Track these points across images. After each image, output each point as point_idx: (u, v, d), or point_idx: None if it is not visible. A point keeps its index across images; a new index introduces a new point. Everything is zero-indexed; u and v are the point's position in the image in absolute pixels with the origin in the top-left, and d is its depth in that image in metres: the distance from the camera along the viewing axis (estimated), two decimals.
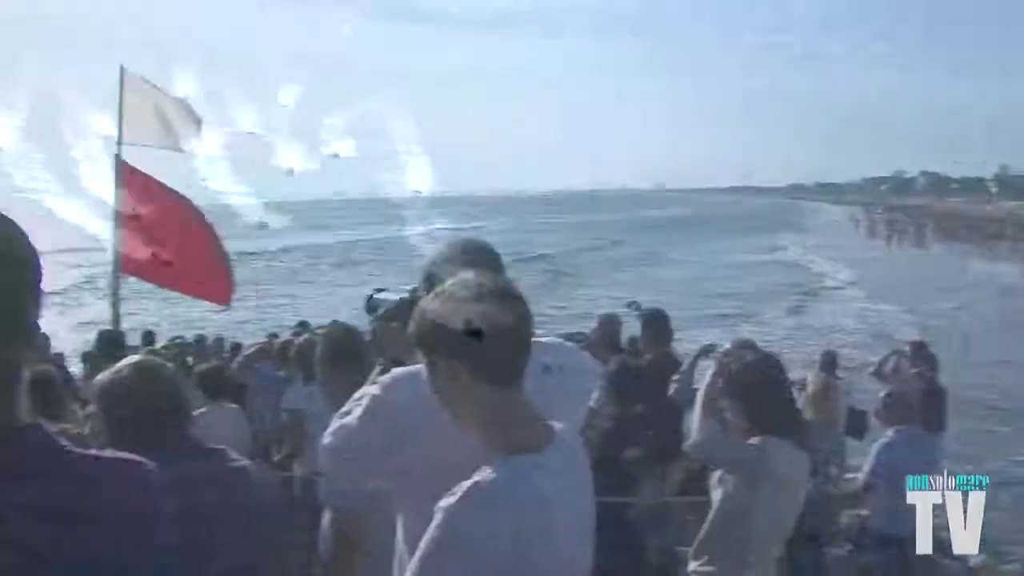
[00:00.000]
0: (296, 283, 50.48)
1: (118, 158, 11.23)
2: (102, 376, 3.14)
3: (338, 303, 32.45)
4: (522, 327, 2.32)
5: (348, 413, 2.87)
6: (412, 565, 2.19)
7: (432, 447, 2.47)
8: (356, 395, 3.07)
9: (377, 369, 3.24)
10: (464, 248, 2.93)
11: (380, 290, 3.51)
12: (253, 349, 10.39)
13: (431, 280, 2.72)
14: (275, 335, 14.31)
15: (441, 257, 2.90)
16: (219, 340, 14.17)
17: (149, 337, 13.48)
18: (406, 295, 3.22)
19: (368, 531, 3.37)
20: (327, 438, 2.86)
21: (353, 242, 79.23)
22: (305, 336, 8.98)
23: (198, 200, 11.97)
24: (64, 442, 1.59)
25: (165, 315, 28.69)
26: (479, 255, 2.85)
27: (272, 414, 8.55)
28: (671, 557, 6.43)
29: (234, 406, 7.35)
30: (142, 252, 11.11)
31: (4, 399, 1.56)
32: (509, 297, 2.32)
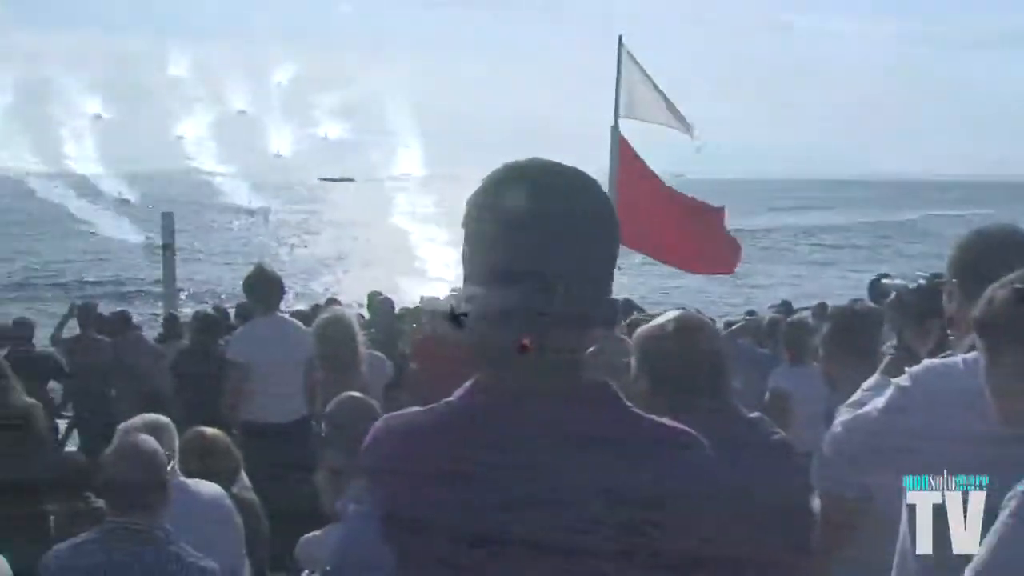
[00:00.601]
0: (768, 263, 49.88)
1: (615, 130, 11.43)
2: (642, 330, 3.11)
3: (827, 284, 31.92)
4: None
5: (860, 403, 2.78)
6: (987, 546, 2.08)
7: (965, 442, 2.34)
8: (867, 384, 2.97)
9: (887, 358, 3.11)
10: (1006, 237, 2.77)
11: (884, 275, 3.39)
12: (738, 325, 10.32)
13: (967, 267, 2.63)
14: (753, 312, 14.20)
15: (979, 244, 2.77)
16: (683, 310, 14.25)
17: (628, 306, 13.78)
18: (922, 282, 3.08)
19: (861, 519, 3.23)
20: (838, 428, 2.84)
21: (846, 225, 76.51)
22: (797, 316, 8.82)
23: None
24: (628, 403, 1.62)
25: (652, 286, 29.60)
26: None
27: (753, 391, 8.45)
28: None
29: None
30: (636, 223, 11.28)
31: (575, 358, 1.61)
32: None
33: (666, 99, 11.79)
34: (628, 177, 11.20)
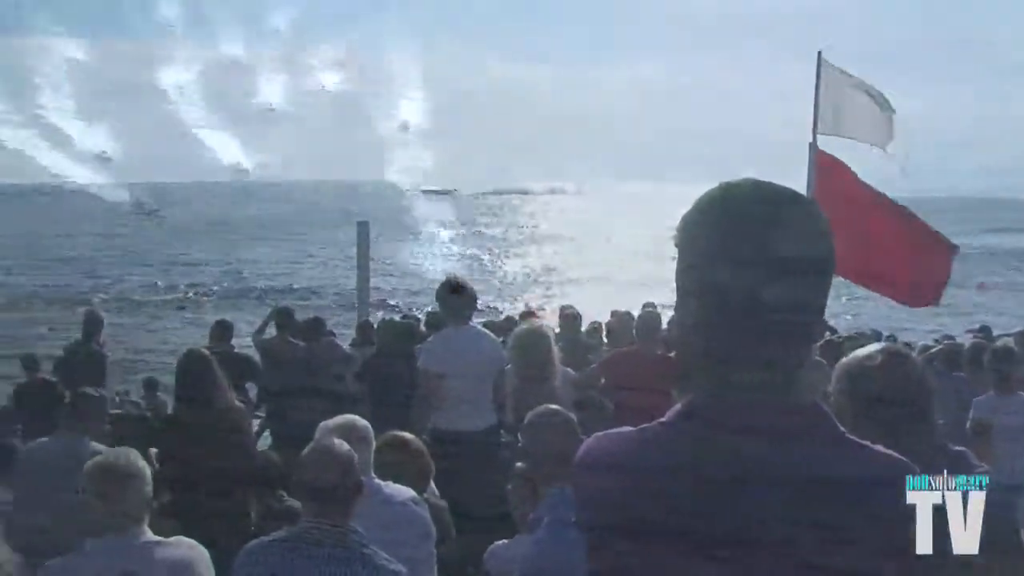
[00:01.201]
0: (957, 287, 47.63)
1: (813, 146, 11.15)
2: (850, 359, 3.07)
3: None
4: None
5: None
6: None
7: None
8: None
9: None
10: None
11: None
12: (934, 350, 9.97)
13: None
14: (950, 337, 13.69)
15: None
16: (876, 334, 13.89)
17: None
18: None
19: None
20: None
21: None
22: (1002, 344, 8.46)
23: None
24: (841, 427, 1.61)
25: (838, 306, 28.81)
26: None
27: (949, 417, 8.16)
28: None
29: None
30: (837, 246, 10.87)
31: (789, 379, 1.59)
32: None
33: (878, 108, 11.44)
34: (826, 196, 10.89)
